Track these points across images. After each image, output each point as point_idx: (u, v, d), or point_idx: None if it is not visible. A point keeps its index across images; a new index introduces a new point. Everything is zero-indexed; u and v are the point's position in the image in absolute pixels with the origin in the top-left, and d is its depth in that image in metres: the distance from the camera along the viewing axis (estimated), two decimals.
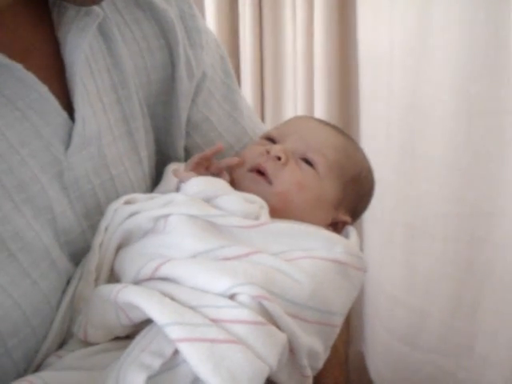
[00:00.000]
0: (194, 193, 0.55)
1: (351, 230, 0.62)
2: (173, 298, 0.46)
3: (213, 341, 0.42)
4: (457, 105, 1.05)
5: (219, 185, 0.57)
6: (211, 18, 1.38)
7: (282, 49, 1.39)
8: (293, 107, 1.39)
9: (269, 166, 0.60)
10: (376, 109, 1.22)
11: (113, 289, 0.48)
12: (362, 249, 0.62)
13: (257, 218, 0.54)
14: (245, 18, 1.37)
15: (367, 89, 1.25)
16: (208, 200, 0.54)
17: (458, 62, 1.03)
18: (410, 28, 1.09)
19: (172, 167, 0.61)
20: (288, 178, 0.59)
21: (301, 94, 1.33)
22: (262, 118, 1.42)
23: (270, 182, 0.59)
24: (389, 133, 1.18)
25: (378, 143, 1.20)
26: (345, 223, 0.64)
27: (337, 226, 0.63)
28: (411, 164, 1.15)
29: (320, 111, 1.29)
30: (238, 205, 0.54)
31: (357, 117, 1.30)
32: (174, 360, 0.43)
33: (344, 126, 1.29)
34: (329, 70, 1.27)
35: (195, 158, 0.62)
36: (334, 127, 0.67)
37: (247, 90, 1.39)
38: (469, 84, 1.02)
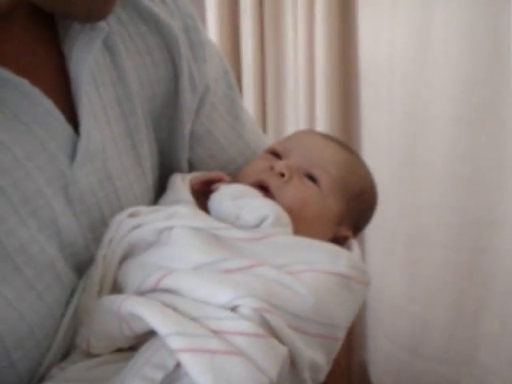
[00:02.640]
0: (229, 191, 0.57)
1: (353, 243, 0.62)
2: (175, 309, 0.46)
3: (213, 352, 0.42)
4: (458, 113, 1.05)
5: (251, 189, 0.58)
6: (213, 31, 1.39)
7: (284, 58, 1.39)
8: (294, 116, 1.40)
9: (272, 182, 0.60)
10: (377, 117, 1.23)
11: (115, 299, 0.48)
12: (363, 258, 0.62)
13: (286, 224, 0.55)
14: (246, 28, 1.38)
15: (368, 97, 1.26)
16: (237, 198, 0.55)
17: (459, 70, 1.03)
18: (411, 36, 1.09)
19: (177, 178, 0.61)
20: (291, 194, 0.59)
21: (302, 103, 1.34)
22: (264, 128, 1.42)
23: (273, 198, 0.59)
24: (390, 141, 1.18)
25: (378, 152, 1.21)
26: (345, 238, 0.64)
27: (337, 241, 0.63)
28: (412, 172, 1.15)
29: (321, 121, 1.30)
30: (270, 206, 0.55)
31: (358, 125, 1.31)
32: (176, 373, 0.43)
33: (345, 135, 1.30)
34: (330, 78, 1.28)
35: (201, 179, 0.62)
36: (338, 142, 0.67)
37: (249, 100, 1.39)
38: (470, 92, 1.03)
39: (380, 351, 1.29)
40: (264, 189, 0.60)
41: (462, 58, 1.02)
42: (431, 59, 1.07)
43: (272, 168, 0.61)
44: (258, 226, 0.54)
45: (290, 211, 0.57)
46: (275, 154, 0.65)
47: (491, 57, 1.00)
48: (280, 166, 0.61)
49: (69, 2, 0.47)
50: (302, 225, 0.58)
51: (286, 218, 0.55)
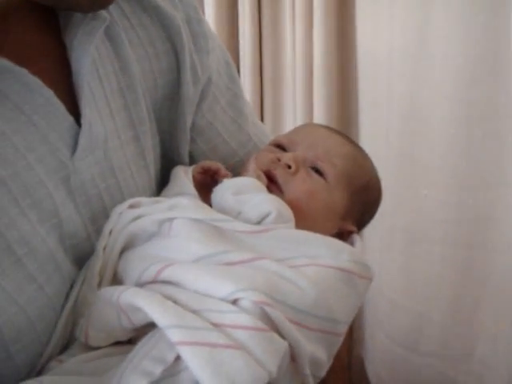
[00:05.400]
0: (231, 185, 0.56)
1: (356, 239, 0.62)
2: (175, 302, 0.46)
3: (213, 345, 0.42)
4: (456, 110, 1.05)
5: (254, 183, 0.57)
6: (210, 26, 1.38)
7: (282, 54, 1.39)
8: (292, 113, 1.40)
9: (279, 174, 0.60)
10: (375, 114, 1.23)
11: (115, 291, 0.48)
12: (363, 253, 0.62)
13: (288, 220, 0.54)
14: (244, 24, 1.37)
15: (366, 94, 1.26)
16: (239, 193, 0.55)
17: (457, 68, 1.03)
18: (410, 34, 1.09)
19: (180, 170, 0.61)
20: (298, 186, 0.59)
21: (300, 100, 1.34)
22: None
23: (280, 190, 0.59)
24: (388, 138, 1.18)
25: (377, 148, 1.20)
26: (350, 232, 0.64)
27: (342, 236, 0.63)
28: (410, 169, 1.15)
29: (319, 116, 1.30)
30: (272, 202, 0.54)
31: (356, 122, 1.31)
32: (175, 366, 0.43)
33: (343, 132, 1.29)
34: (328, 75, 1.28)
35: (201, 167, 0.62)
36: (342, 135, 0.68)
37: (247, 97, 1.38)
38: (468, 89, 1.03)
39: (378, 347, 1.29)
40: (271, 180, 0.60)
41: (460, 56, 1.02)
42: (429, 56, 1.07)
43: (279, 160, 0.61)
44: (259, 222, 0.54)
45: (296, 203, 0.57)
46: (280, 146, 0.65)
47: (489, 54, 1.00)
48: (287, 157, 0.61)
49: None
50: (308, 217, 0.58)
51: (288, 214, 0.55)
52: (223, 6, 1.40)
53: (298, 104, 1.35)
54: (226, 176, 0.60)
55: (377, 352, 1.29)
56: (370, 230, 1.25)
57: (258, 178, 0.58)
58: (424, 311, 1.18)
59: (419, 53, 1.08)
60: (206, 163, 0.62)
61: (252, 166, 0.60)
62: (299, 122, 1.34)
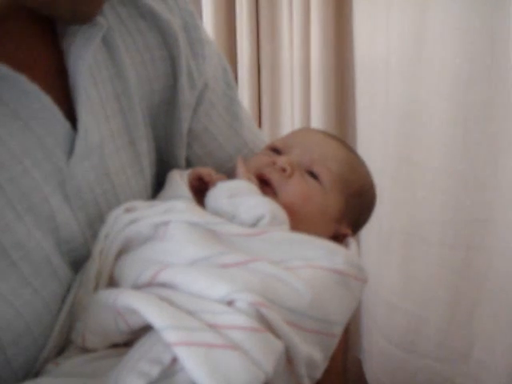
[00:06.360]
0: (225, 188, 0.56)
1: (351, 242, 0.62)
2: (171, 304, 0.46)
3: (209, 345, 0.42)
4: (453, 112, 1.06)
5: (248, 186, 0.58)
6: (208, 28, 1.39)
7: (279, 57, 1.39)
8: (290, 116, 1.40)
9: (274, 177, 0.60)
10: (373, 116, 1.23)
11: (111, 293, 0.48)
12: (359, 256, 0.62)
13: (283, 222, 0.55)
14: (242, 27, 1.38)
15: (364, 96, 1.26)
16: (233, 196, 0.55)
17: (455, 70, 1.03)
18: (407, 36, 1.10)
19: (175, 174, 0.61)
20: (293, 189, 0.60)
21: (298, 102, 1.34)
22: (259, 127, 1.42)
23: (275, 193, 0.60)
24: (385, 140, 1.19)
25: (374, 150, 1.21)
26: (345, 235, 0.64)
27: (337, 239, 0.63)
28: (408, 171, 1.15)
29: (317, 119, 1.30)
30: (266, 205, 0.55)
31: (353, 124, 1.31)
32: (172, 367, 0.43)
33: (341, 134, 1.30)
34: (326, 78, 1.28)
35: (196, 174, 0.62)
36: (338, 140, 0.68)
37: (244, 99, 1.40)
38: (465, 91, 1.03)
39: (375, 349, 1.29)
40: (265, 183, 0.60)
41: (457, 58, 1.03)
42: (427, 59, 1.08)
43: (274, 163, 0.61)
44: (254, 225, 0.54)
45: (291, 206, 0.57)
46: (276, 150, 0.65)
47: (486, 56, 1.00)
48: (282, 161, 0.61)
49: (53, 3, 0.47)
50: (303, 221, 0.58)
51: (282, 216, 0.55)
52: (221, 9, 1.40)
53: (296, 108, 1.35)
54: (219, 179, 0.60)
55: (374, 354, 1.30)
56: (367, 232, 1.26)
57: (249, 180, 0.58)
58: (421, 313, 1.18)
59: (416, 55, 1.09)
60: (199, 171, 0.62)
61: (241, 169, 0.60)
62: (297, 125, 1.35)
